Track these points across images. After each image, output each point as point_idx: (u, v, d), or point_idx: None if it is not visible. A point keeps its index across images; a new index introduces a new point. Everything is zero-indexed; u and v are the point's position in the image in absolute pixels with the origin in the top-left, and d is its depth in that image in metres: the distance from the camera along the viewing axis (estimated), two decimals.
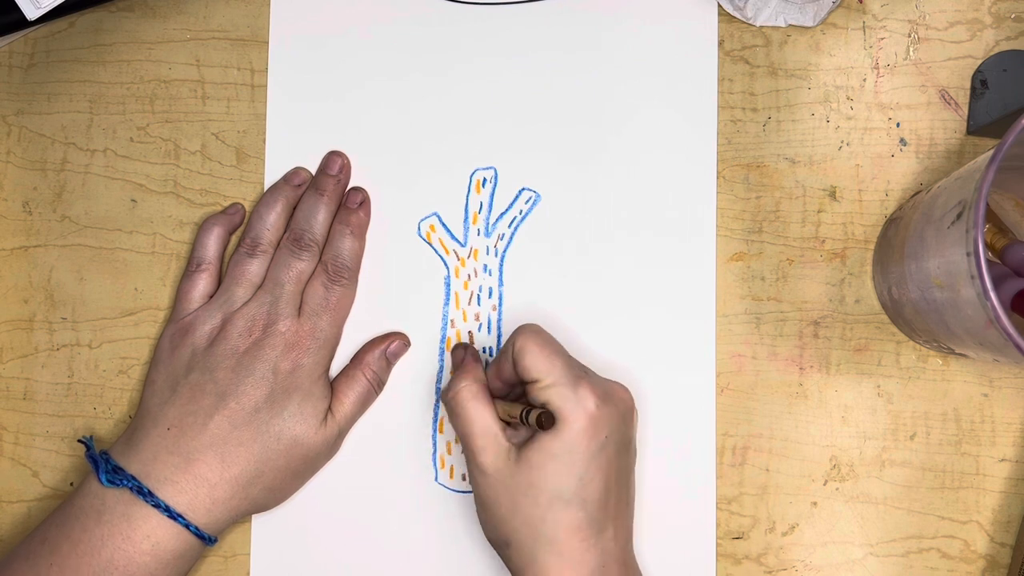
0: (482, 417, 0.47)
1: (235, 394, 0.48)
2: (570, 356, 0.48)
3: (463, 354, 0.51)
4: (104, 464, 0.48)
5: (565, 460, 0.45)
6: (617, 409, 0.47)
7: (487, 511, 0.47)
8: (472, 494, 0.52)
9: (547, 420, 0.45)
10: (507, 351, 0.48)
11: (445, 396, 0.48)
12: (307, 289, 0.51)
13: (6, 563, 0.48)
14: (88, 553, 0.46)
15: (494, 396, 0.49)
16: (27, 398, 0.54)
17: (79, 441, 0.51)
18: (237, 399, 0.48)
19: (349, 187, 0.54)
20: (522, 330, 0.48)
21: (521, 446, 0.46)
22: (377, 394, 0.53)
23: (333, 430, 0.50)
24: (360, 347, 0.53)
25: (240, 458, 0.48)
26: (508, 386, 0.49)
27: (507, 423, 0.48)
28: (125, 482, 0.47)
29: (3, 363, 0.54)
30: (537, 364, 0.46)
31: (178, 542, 0.47)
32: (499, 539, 0.47)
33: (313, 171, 0.54)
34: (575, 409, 0.45)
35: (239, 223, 0.54)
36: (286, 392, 0.49)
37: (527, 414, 0.46)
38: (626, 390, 0.48)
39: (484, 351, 0.53)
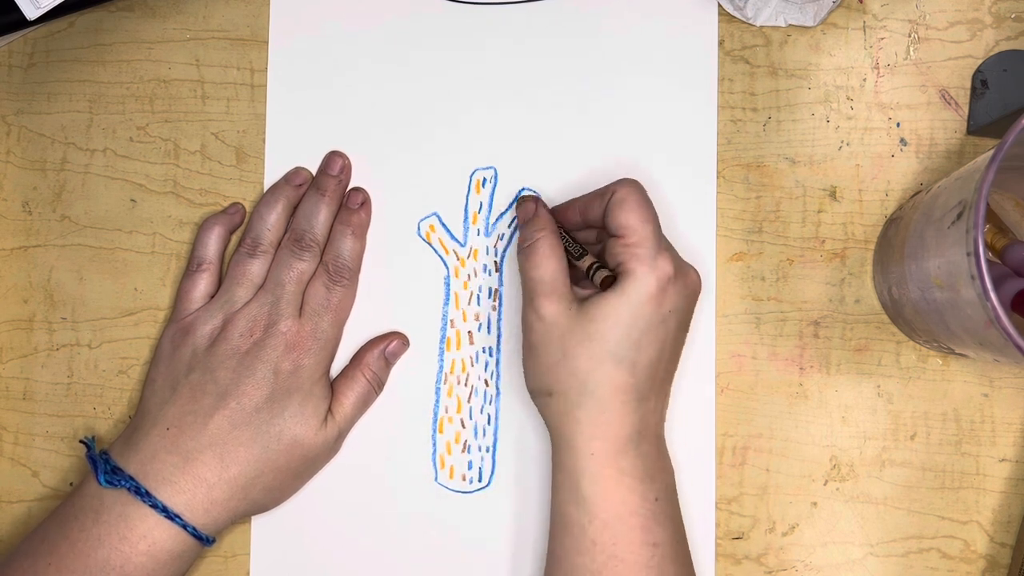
0: (553, 266, 0.47)
1: (235, 394, 0.48)
2: (659, 225, 0.48)
3: (535, 206, 0.50)
4: (103, 465, 0.48)
5: (626, 321, 0.45)
6: (687, 288, 0.47)
7: (535, 358, 0.47)
8: (471, 495, 0.52)
9: (609, 285, 0.46)
10: (604, 196, 0.48)
11: (522, 243, 0.49)
12: (308, 289, 0.51)
13: (9, 560, 0.48)
14: (85, 553, 0.46)
15: (568, 228, 0.50)
16: (27, 398, 0.54)
17: (81, 441, 0.51)
18: (237, 399, 0.48)
19: (350, 187, 0.54)
20: (626, 182, 0.48)
21: (584, 300, 0.46)
22: (377, 394, 0.53)
23: (333, 431, 0.50)
24: (359, 347, 0.53)
25: (239, 458, 0.48)
26: (584, 224, 0.50)
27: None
28: (123, 482, 0.47)
29: (3, 363, 0.54)
30: (631, 221, 0.47)
31: (175, 542, 0.47)
32: (542, 387, 0.47)
33: (313, 171, 0.54)
34: (649, 274, 0.45)
35: (239, 223, 0.54)
36: (286, 392, 0.49)
37: (594, 271, 0.47)
38: (698, 275, 0.48)
39: (484, 351, 0.53)
